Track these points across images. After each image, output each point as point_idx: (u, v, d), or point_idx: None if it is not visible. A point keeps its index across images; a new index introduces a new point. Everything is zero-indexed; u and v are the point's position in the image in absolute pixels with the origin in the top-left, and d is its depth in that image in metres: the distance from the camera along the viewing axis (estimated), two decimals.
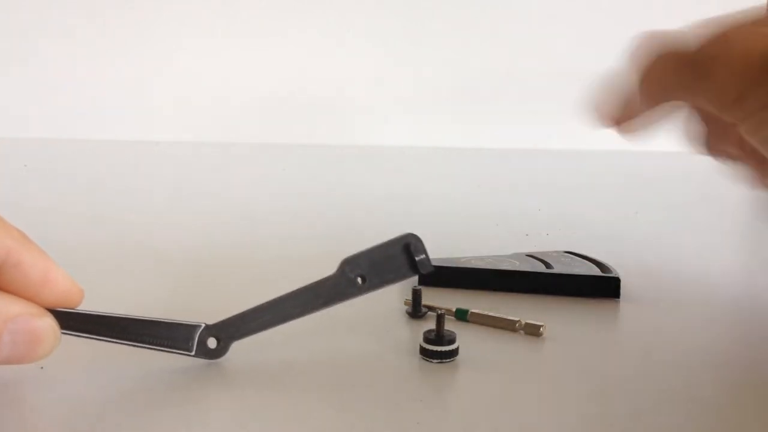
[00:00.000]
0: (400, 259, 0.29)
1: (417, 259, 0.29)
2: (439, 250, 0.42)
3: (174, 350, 0.27)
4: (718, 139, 0.33)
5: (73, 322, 0.26)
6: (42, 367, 0.28)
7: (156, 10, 1.05)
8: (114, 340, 0.27)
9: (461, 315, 0.33)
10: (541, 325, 0.32)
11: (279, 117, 1.08)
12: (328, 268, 0.34)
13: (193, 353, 0.28)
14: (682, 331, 0.33)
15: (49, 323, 0.24)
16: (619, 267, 0.38)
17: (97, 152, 0.95)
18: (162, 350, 0.27)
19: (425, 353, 0.29)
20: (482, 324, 0.33)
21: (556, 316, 0.34)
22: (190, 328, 0.28)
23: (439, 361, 0.29)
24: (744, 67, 0.28)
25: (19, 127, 1.02)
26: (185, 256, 0.44)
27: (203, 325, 0.28)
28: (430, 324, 0.31)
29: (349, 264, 0.28)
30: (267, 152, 0.99)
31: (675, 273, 0.42)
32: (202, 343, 0.28)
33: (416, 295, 0.34)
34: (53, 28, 1.04)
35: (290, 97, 1.08)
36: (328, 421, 0.24)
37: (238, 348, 0.29)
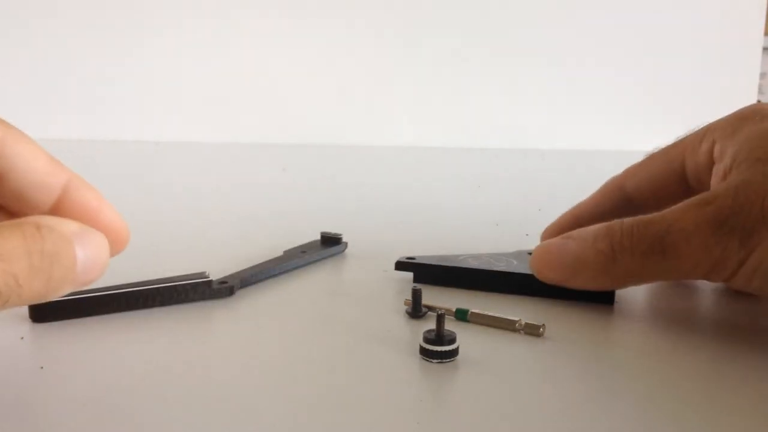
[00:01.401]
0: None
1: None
2: (438, 250, 0.42)
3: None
4: None
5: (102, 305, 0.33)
6: (42, 367, 0.28)
7: (156, 9, 1.05)
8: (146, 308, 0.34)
9: (461, 315, 0.33)
10: (541, 325, 0.32)
11: (279, 117, 1.08)
12: (328, 268, 0.34)
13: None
14: (683, 331, 0.33)
15: (102, 236, 0.24)
16: None
17: (97, 152, 0.95)
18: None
19: (425, 353, 0.29)
20: (482, 324, 0.33)
21: (556, 316, 0.34)
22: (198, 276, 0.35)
23: (439, 361, 0.29)
24: (704, 239, 0.29)
25: (19, 127, 1.02)
26: (185, 257, 0.44)
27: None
28: (430, 324, 0.31)
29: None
30: (267, 152, 0.99)
31: None
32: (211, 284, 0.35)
33: (416, 295, 0.34)
34: (52, 28, 1.04)
35: (290, 97, 1.08)
36: (328, 422, 0.24)
37: (235, 363, 0.29)
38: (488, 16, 1.10)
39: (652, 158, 0.38)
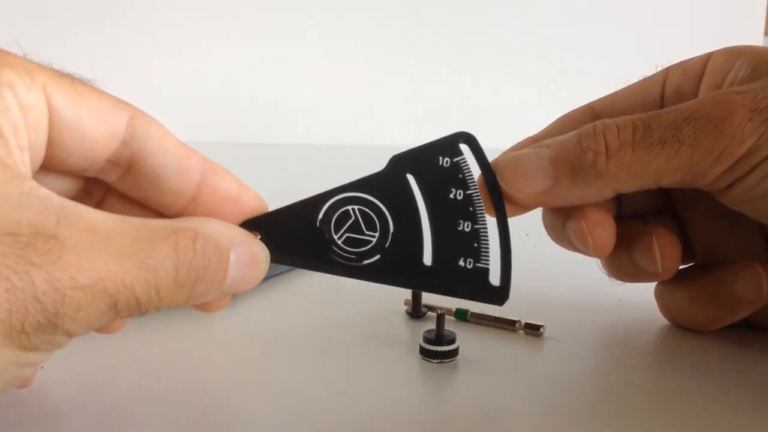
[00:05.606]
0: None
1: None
2: None
3: None
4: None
5: None
6: (42, 367, 0.28)
7: (154, 9, 1.05)
8: None
9: (461, 315, 0.33)
10: (541, 326, 0.32)
11: (279, 117, 1.08)
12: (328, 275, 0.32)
13: None
14: (684, 332, 0.33)
15: (263, 247, 0.23)
16: None
17: None
18: None
19: (425, 353, 0.29)
20: (482, 324, 0.33)
21: (556, 316, 0.34)
22: None
23: (439, 361, 0.29)
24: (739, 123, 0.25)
25: None
26: None
27: None
28: (430, 324, 0.31)
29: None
30: (267, 152, 0.99)
31: None
32: None
33: (416, 295, 0.34)
34: (52, 28, 1.04)
35: (290, 97, 1.08)
36: (329, 421, 0.24)
37: (236, 363, 0.29)
38: (489, 15, 1.10)
39: (630, 84, 0.34)
